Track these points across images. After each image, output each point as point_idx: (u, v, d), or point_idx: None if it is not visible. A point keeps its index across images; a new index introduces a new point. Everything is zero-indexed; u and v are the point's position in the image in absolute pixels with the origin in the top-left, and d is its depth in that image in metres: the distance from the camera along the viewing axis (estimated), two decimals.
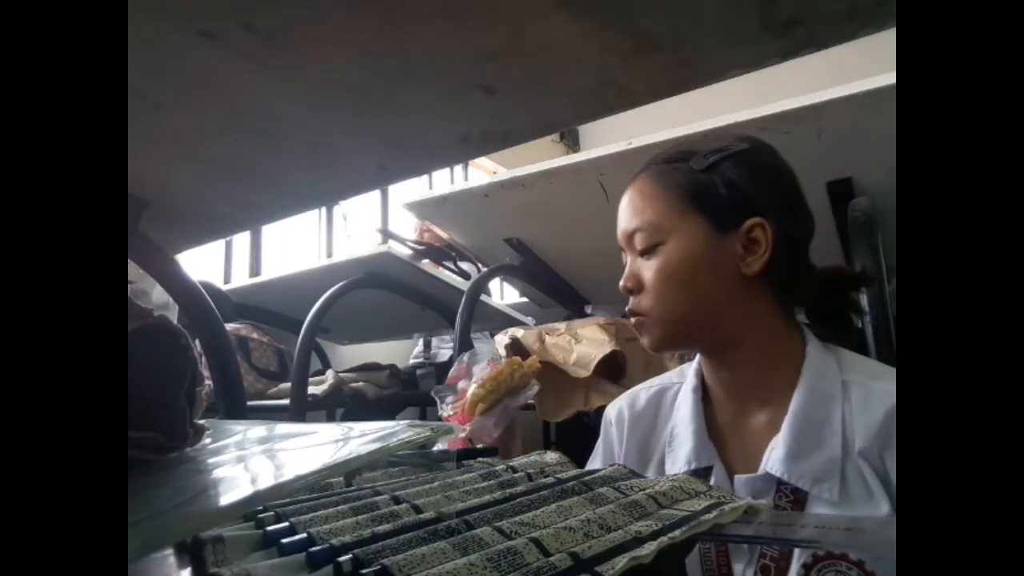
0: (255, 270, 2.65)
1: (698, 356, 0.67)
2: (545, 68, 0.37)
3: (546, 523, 0.32)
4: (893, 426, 0.53)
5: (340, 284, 1.59)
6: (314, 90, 0.42)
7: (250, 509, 0.34)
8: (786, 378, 0.59)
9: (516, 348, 1.32)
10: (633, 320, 0.63)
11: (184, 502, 0.29)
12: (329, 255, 2.94)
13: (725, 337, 0.61)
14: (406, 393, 2.19)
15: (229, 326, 1.79)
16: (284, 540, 0.30)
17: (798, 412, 0.56)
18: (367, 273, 1.63)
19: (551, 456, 0.49)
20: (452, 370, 0.98)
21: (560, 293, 1.66)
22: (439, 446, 0.73)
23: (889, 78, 0.87)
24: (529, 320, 1.78)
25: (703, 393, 0.65)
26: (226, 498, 0.29)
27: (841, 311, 0.65)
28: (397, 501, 0.36)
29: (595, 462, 0.73)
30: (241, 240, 2.68)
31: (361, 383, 1.92)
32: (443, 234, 1.81)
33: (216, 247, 2.60)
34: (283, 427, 0.45)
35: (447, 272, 1.74)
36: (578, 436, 1.47)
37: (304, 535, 0.30)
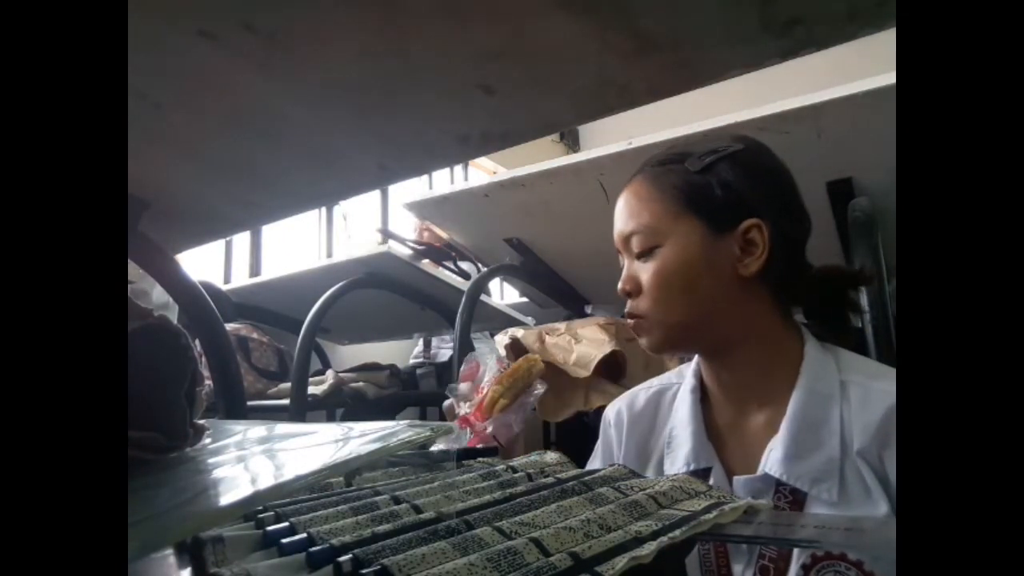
0: (255, 270, 2.65)
1: (696, 357, 0.67)
2: (545, 68, 0.37)
3: (546, 523, 0.32)
4: (892, 426, 0.53)
5: (340, 284, 1.59)
6: (314, 90, 0.42)
7: (250, 509, 0.34)
8: (784, 378, 0.59)
9: (516, 348, 1.32)
10: (631, 322, 0.63)
11: (184, 502, 0.29)
12: (329, 255, 2.94)
13: (723, 338, 0.61)
14: (406, 393, 2.20)
15: (229, 326, 1.79)
16: (284, 540, 0.30)
17: (796, 413, 0.56)
18: (367, 273, 1.63)
19: (551, 456, 0.49)
20: (463, 369, 0.99)
21: (560, 293, 1.66)
22: (449, 446, 0.73)
23: (889, 78, 0.87)
24: (529, 320, 1.78)
25: (702, 394, 0.65)
26: (226, 498, 0.29)
27: (839, 310, 0.65)
28: (397, 501, 0.36)
29: (594, 463, 0.73)
30: (241, 240, 2.68)
31: (361, 383, 1.92)
32: (443, 234, 1.81)
33: (216, 247, 2.60)
34: (283, 427, 0.45)
35: (447, 272, 1.74)
36: (578, 436, 1.47)
37: (304, 535, 0.30)
